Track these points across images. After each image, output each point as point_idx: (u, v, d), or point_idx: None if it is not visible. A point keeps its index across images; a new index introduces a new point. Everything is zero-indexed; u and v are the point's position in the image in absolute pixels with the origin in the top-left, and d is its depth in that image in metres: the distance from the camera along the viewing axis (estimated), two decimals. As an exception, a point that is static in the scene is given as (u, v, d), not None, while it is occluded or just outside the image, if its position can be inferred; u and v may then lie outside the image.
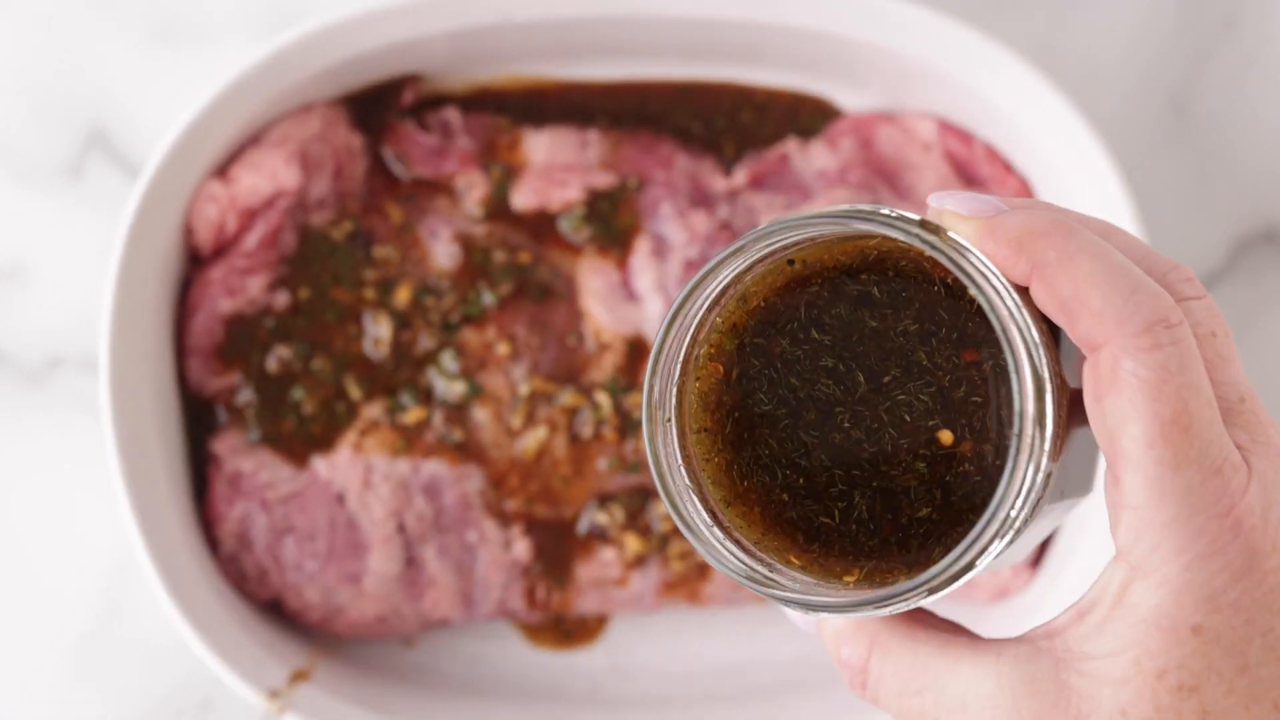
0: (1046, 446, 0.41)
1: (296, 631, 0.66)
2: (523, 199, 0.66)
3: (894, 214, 0.42)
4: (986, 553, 0.41)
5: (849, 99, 0.68)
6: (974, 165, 0.67)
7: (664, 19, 0.65)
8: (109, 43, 0.71)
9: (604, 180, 0.67)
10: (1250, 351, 0.72)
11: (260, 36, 0.70)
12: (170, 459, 0.64)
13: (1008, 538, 0.41)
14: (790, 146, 0.68)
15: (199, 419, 0.65)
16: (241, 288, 0.64)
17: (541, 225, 0.67)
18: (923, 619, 0.45)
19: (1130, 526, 0.41)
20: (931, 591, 0.42)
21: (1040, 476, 0.41)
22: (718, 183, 0.67)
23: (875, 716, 0.65)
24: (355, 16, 0.63)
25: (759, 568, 0.45)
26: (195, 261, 0.66)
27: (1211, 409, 0.41)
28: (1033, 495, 0.41)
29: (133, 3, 0.71)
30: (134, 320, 0.62)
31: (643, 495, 0.65)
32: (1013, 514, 0.41)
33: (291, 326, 0.65)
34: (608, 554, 0.66)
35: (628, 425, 0.65)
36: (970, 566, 0.41)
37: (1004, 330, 0.41)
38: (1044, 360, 0.41)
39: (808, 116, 0.68)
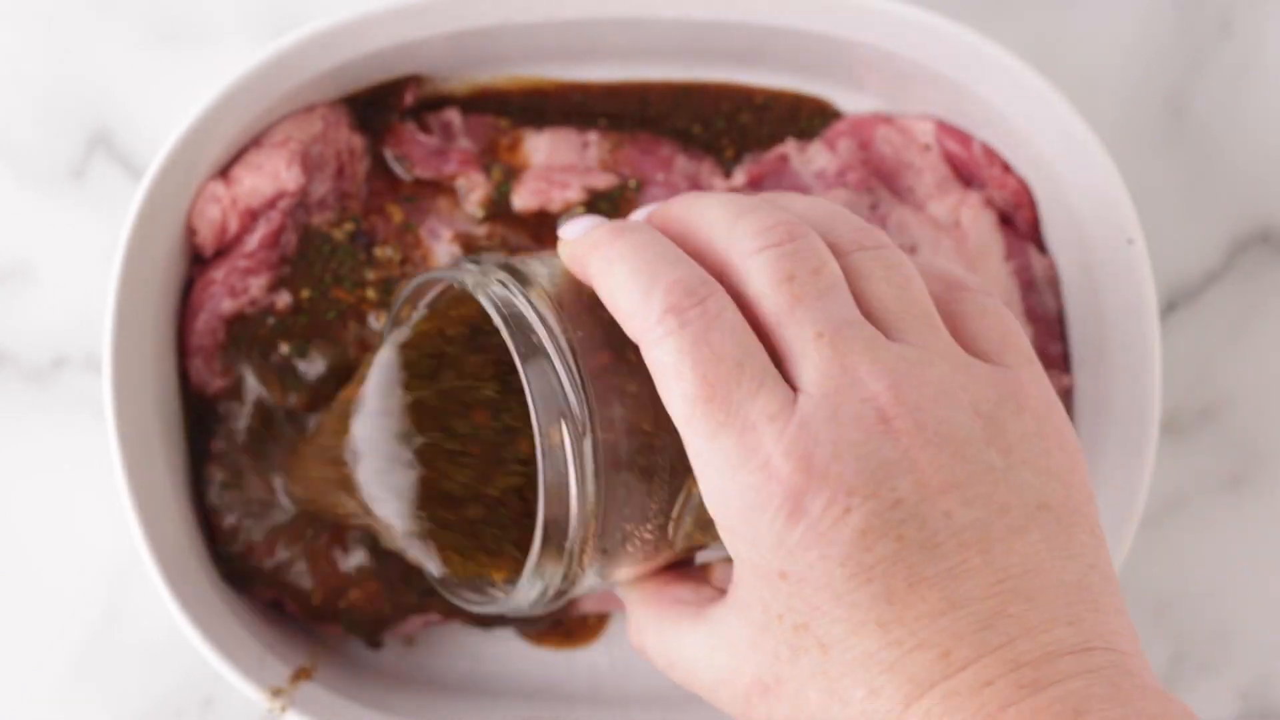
0: (567, 444, 0.44)
1: (298, 630, 0.66)
2: (523, 200, 0.67)
3: (465, 262, 0.47)
4: (541, 567, 0.46)
5: (848, 101, 0.68)
6: (973, 166, 0.67)
7: (664, 21, 0.65)
8: (111, 44, 0.71)
9: (604, 181, 0.67)
10: (1247, 351, 0.72)
11: (262, 38, 0.71)
12: (172, 458, 0.64)
13: (567, 533, 0.45)
14: (789, 148, 0.68)
15: (201, 418, 0.65)
16: (243, 288, 0.65)
17: (542, 226, 0.67)
18: (675, 595, 0.49)
19: (704, 494, 0.44)
20: (538, 601, 0.47)
21: (559, 469, 0.44)
22: (717, 184, 0.67)
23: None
24: (356, 18, 0.63)
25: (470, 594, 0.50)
26: (197, 262, 0.66)
27: (739, 372, 0.43)
28: (563, 484, 0.44)
29: (135, 4, 0.71)
30: (136, 320, 0.62)
31: (643, 494, 0.66)
32: (554, 495, 0.44)
33: (293, 326, 0.65)
34: (608, 553, 0.66)
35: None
36: (548, 590, 0.46)
37: (512, 343, 0.45)
38: (561, 366, 0.45)
39: (807, 118, 0.69)
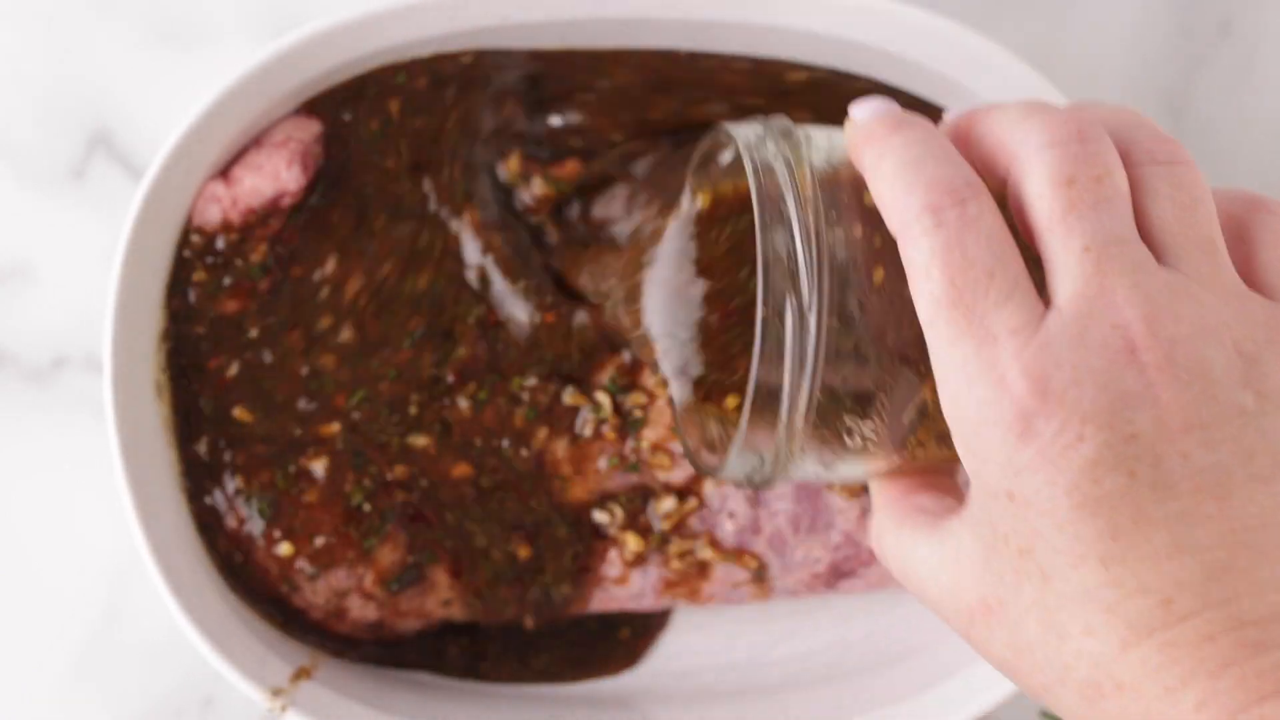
0: (784, 294, 0.45)
1: (299, 629, 0.66)
2: (524, 200, 0.67)
3: (755, 122, 0.48)
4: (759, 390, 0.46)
5: (848, 100, 0.69)
6: (972, 166, 0.67)
7: (663, 22, 0.65)
8: (111, 44, 0.71)
9: (604, 181, 0.67)
10: (1247, 352, 0.72)
11: (263, 38, 0.71)
12: (173, 458, 0.64)
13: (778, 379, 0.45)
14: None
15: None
16: (246, 288, 0.65)
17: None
18: (918, 502, 0.48)
19: (943, 402, 0.43)
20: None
21: (772, 322, 0.45)
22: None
23: (877, 711, 0.66)
24: (357, 18, 0.63)
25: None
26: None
27: (988, 280, 0.42)
28: (783, 343, 0.44)
29: (134, 4, 0.71)
30: (137, 320, 0.63)
31: (642, 494, 0.66)
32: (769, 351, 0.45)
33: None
34: (608, 553, 0.66)
35: (628, 425, 0.66)
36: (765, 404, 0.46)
37: (758, 208, 0.45)
38: (801, 239, 0.45)
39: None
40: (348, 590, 0.64)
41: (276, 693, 0.63)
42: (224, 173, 0.65)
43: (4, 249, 0.71)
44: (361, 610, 0.65)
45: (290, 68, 0.63)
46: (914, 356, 0.45)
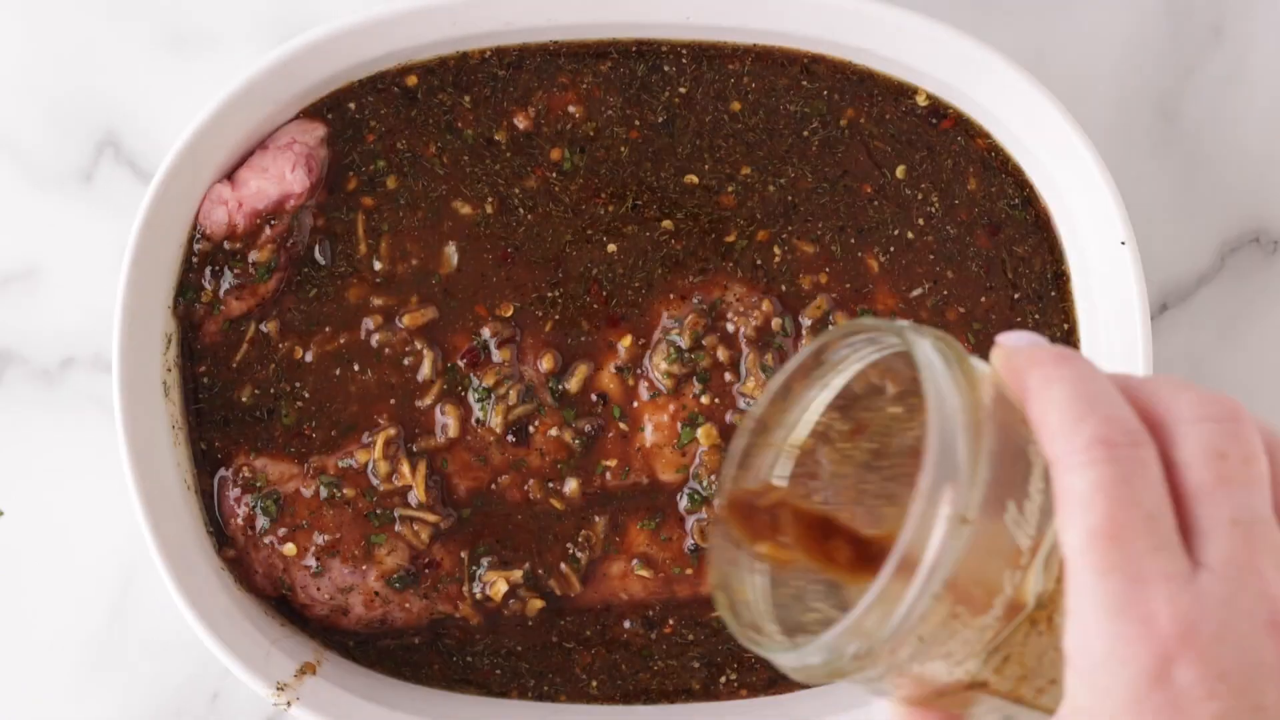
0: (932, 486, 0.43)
1: (303, 626, 0.67)
2: (525, 202, 0.67)
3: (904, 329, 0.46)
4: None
5: (845, 104, 0.69)
6: (967, 169, 0.68)
7: (663, 26, 0.66)
8: (121, 51, 0.71)
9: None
10: (1239, 348, 0.72)
11: (268, 44, 0.71)
12: (179, 457, 0.65)
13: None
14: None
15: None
16: (251, 289, 0.65)
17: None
18: None
19: (1069, 629, 0.43)
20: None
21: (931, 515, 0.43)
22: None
23: (869, 709, 0.66)
24: (360, 24, 0.63)
25: None
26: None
27: (1149, 524, 0.42)
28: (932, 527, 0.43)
29: (144, 11, 0.71)
30: (144, 320, 0.63)
31: (642, 493, 0.66)
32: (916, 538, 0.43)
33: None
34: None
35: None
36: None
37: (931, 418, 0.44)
38: (960, 441, 0.43)
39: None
40: (351, 587, 0.65)
41: (282, 688, 0.63)
42: (230, 176, 0.65)
43: (13, 251, 0.71)
44: (365, 607, 0.65)
45: (295, 73, 0.63)
46: (1004, 596, 0.45)
